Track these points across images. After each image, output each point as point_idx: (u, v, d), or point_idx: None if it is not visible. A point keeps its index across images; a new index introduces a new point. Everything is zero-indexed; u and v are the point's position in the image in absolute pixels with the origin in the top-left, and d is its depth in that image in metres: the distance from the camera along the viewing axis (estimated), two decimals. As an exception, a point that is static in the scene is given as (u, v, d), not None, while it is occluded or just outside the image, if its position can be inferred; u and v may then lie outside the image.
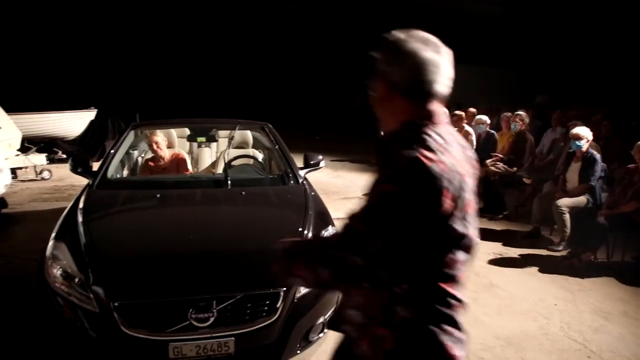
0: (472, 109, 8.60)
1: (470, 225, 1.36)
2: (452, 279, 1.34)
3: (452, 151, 1.32)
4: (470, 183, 1.36)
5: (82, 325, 2.51)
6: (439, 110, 1.38)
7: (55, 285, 2.63)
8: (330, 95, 21.15)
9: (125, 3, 17.04)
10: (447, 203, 1.25)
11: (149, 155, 4.65)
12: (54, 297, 2.61)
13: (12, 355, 3.15)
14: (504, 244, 5.53)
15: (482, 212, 6.72)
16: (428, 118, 1.35)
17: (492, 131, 7.31)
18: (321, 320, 2.82)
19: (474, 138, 7.48)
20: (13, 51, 17.20)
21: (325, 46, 20.44)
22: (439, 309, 1.33)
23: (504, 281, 4.51)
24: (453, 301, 1.35)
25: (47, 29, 17.92)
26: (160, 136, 4.50)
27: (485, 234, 5.87)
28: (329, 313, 2.88)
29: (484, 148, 7.17)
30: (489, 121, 7.36)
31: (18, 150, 8.40)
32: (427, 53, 1.34)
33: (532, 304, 4.07)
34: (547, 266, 4.91)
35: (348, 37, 18.77)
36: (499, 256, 5.18)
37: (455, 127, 7.90)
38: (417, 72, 1.34)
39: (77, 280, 2.61)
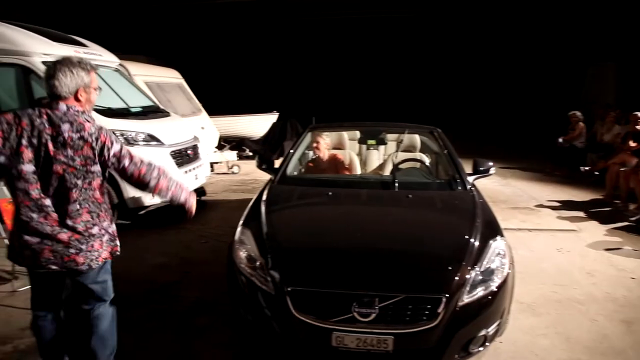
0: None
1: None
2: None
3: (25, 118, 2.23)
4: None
5: (259, 304, 2.80)
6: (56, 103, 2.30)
7: (241, 265, 2.98)
8: (506, 103, 19.90)
9: (307, 19, 18.45)
10: None
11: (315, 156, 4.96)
12: (239, 275, 2.95)
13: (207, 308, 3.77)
14: None
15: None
16: (46, 105, 2.31)
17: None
18: (483, 332, 2.72)
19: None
20: (215, 67, 20.19)
21: (504, 52, 19.27)
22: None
23: None
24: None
25: (243, 47, 20.63)
26: (322, 137, 4.77)
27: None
28: (492, 326, 2.77)
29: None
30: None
31: (215, 147, 9.77)
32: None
33: None
34: None
35: (525, 44, 17.47)
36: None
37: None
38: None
39: (258, 263, 2.91)
